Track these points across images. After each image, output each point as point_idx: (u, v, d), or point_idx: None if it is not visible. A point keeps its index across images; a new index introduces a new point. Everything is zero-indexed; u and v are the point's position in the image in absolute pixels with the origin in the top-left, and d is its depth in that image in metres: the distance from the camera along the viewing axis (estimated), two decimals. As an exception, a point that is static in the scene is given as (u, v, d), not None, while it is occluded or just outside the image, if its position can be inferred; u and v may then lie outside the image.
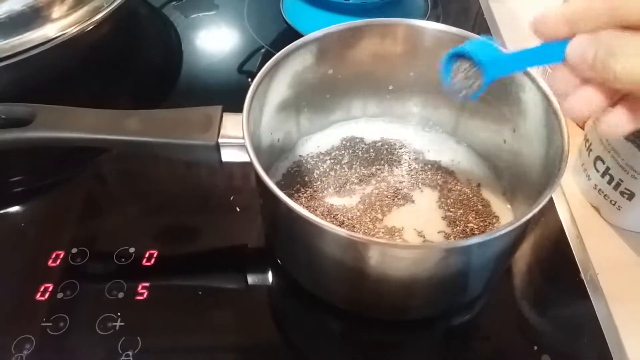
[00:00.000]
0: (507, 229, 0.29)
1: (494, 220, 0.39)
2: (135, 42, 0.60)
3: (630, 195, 0.40)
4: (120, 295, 0.36)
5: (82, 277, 0.37)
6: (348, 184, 0.41)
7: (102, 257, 0.38)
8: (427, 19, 0.58)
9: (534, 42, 0.56)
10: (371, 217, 0.39)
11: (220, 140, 0.33)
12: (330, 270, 0.33)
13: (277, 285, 0.39)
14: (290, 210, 0.29)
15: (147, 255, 0.38)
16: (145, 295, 0.36)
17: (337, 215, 0.39)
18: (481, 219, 0.39)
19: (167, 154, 0.36)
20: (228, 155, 0.34)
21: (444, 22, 0.60)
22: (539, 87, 0.35)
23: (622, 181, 0.40)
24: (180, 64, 0.57)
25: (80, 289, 0.36)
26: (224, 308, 0.37)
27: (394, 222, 0.39)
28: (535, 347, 0.35)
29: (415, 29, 0.39)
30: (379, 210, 0.39)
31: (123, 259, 0.38)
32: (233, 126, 0.34)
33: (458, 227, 0.39)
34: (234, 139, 0.33)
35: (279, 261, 0.38)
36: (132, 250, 0.38)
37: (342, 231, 0.28)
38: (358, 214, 0.39)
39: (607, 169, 0.40)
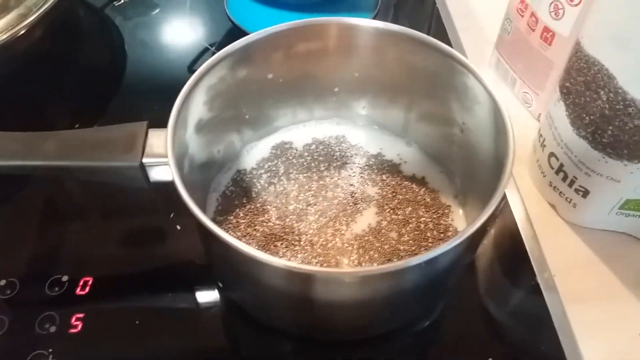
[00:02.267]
0: (453, 244, 0.27)
1: (447, 211, 0.38)
2: (76, 44, 0.57)
3: (585, 193, 0.38)
4: (53, 329, 0.34)
5: (10, 312, 0.35)
6: (299, 193, 0.39)
7: (33, 288, 0.36)
8: (378, 10, 0.56)
9: (488, 30, 0.54)
10: (334, 229, 0.37)
11: (145, 160, 0.31)
12: (274, 299, 0.31)
13: (225, 305, 0.37)
14: (219, 241, 0.27)
15: (81, 283, 0.36)
16: (79, 327, 0.34)
17: (292, 228, 0.37)
18: (433, 211, 0.38)
19: (90, 178, 0.33)
20: (156, 174, 0.32)
21: (397, 13, 0.58)
22: (484, 87, 0.34)
23: (576, 178, 0.38)
24: (124, 67, 0.55)
25: (8, 325, 0.34)
26: (166, 332, 0.35)
27: (355, 229, 0.37)
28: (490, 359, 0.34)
29: (354, 28, 0.37)
30: (342, 221, 0.38)
31: (56, 288, 0.36)
32: (160, 143, 0.31)
33: (410, 225, 0.37)
34: (161, 158, 0.31)
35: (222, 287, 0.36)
36: (64, 278, 0.36)
37: (277, 261, 0.26)
38: (317, 226, 0.37)
39: (561, 165, 0.39)
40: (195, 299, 0.37)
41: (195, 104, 0.34)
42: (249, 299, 0.34)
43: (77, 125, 0.49)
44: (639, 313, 0.36)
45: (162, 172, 0.32)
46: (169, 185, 0.31)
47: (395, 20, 0.58)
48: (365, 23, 0.37)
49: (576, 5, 0.40)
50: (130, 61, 0.55)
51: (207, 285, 0.38)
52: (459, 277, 0.38)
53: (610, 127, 0.34)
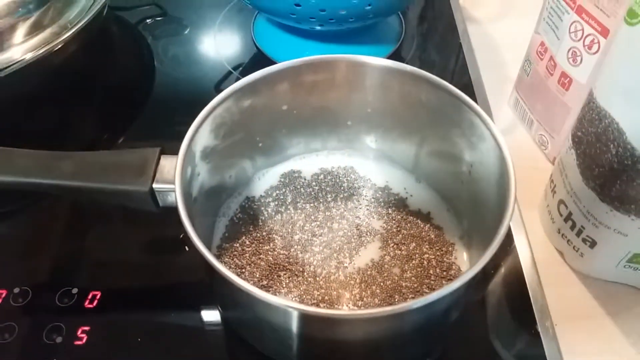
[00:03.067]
0: (445, 292, 0.27)
1: (450, 249, 0.38)
2: (108, 60, 0.59)
3: (592, 244, 0.38)
4: (59, 339, 0.35)
5: (21, 319, 0.36)
6: (305, 223, 0.40)
7: (44, 298, 0.37)
8: (401, 43, 0.56)
9: (509, 67, 0.54)
10: (337, 262, 0.38)
11: (155, 186, 0.32)
12: (269, 332, 0.31)
13: (227, 327, 0.37)
14: (217, 273, 0.28)
15: (90, 296, 0.37)
16: (84, 339, 0.35)
17: (296, 259, 0.37)
18: (437, 248, 0.38)
19: (101, 199, 0.35)
20: (166, 200, 0.33)
21: (420, 46, 0.59)
22: (490, 129, 0.34)
23: (584, 228, 0.38)
24: (152, 84, 0.56)
25: (18, 332, 0.36)
26: (169, 350, 0.36)
27: (358, 263, 0.38)
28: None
29: (363, 65, 0.38)
30: (346, 254, 0.38)
31: (65, 300, 0.37)
32: (170, 170, 0.32)
33: (414, 262, 0.37)
34: (170, 184, 0.32)
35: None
36: (74, 291, 0.37)
37: (272, 299, 0.27)
38: (321, 257, 0.38)
39: (570, 214, 0.39)
40: (200, 318, 0.38)
41: (207, 133, 0.35)
42: (247, 328, 0.34)
43: (105, 137, 0.51)
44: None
45: (172, 197, 0.33)
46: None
47: (419, 52, 0.58)
48: (374, 61, 0.38)
49: (594, 53, 0.40)
50: (159, 78, 0.57)
51: (211, 306, 0.38)
52: (462, 318, 0.38)
53: (618, 182, 0.34)
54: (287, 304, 0.27)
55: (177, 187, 0.30)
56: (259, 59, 0.56)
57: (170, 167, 0.33)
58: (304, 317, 0.28)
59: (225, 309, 0.36)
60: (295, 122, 0.41)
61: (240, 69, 0.56)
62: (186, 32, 0.62)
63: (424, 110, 0.38)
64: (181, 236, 0.41)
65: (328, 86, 0.39)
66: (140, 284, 0.39)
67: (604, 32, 0.38)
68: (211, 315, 0.38)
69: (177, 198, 0.30)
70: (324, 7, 0.46)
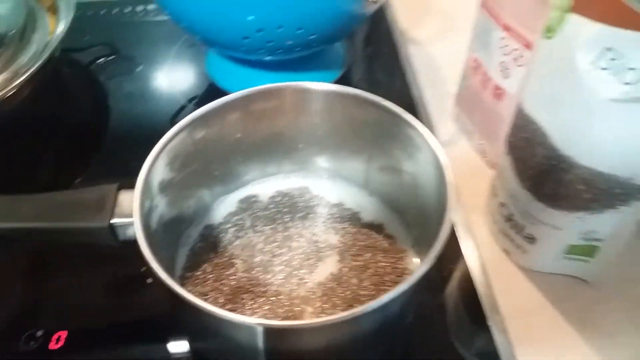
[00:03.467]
0: (397, 292, 0.29)
1: (402, 255, 0.41)
2: (61, 102, 0.60)
3: (533, 240, 0.41)
4: (26, 382, 0.36)
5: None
6: (265, 245, 0.41)
7: (9, 343, 0.38)
8: (346, 69, 0.59)
9: (450, 84, 0.58)
10: (298, 278, 0.39)
11: (113, 221, 0.33)
12: (242, 355, 0.33)
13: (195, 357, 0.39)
14: (185, 303, 0.29)
15: (55, 337, 0.38)
16: (52, 379, 0.36)
17: (258, 280, 0.39)
18: (390, 256, 0.40)
19: (62, 239, 0.35)
20: (125, 234, 0.34)
21: (366, 69, 0.62)
22: (427, 142, 0.36)
23: (523, 226, 0.41)
24: (107, 122, 0.58)
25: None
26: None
27: (318, 277, 0.39)
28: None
29: (308, 91, 0.40)
30: (306, 270, 0.40)
31: (32, 342, 0.37)
32: (129, 204, 0.34)
33: (369, 271, 0.39)
34: (129, 218, 0.33)
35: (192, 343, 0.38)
36: (39, 333, 0.38)
37: (237, 317, 0.29)
38: (282, 276, 0.39)
39: (510, 214, 0.42)
40: (166, 350, 0.39)
41: (163, 166, 0.37)
42: (215, 353, 0.36)
43: (63, 178, 0.52)
44: (585, 351, 0.38)
45: (131, 231, 0.34)
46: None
47: (365, 75, 0.61)
48: (318, 86, 0.40)
49: (521, 66, 0.43)
50: (114, 116, 0.58)
51: (178, 337, 0.39)
52: (421, 320, 0.40)
53: (549, 181, 0.37)
54: (251, 321, 0.29)
55: (136, 219, 0.32)
56: (212, 91, 0.58)
57: (129, 201, 0.34)
58: (268, 332, 0.29)
59: (192, 336, 0.38)
60: (250, 149, 0.43)
61: (195, 101, 0.58)
62: (139, 69, 0.63)
63: (368, 129, 0.41)
64: (142, 270, 0.42)
65: (278, 113, 0.42)
66: (106, 320, 0.40)
67: (528, 45, 0.42)
68: (178, 347, 0.39)
69: (136, 230, 0.31)
70: (271, 39, 0.48)
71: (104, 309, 0.40)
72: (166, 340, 0.39)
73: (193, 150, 0.39)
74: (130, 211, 0.33)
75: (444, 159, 0.35)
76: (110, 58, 0.65)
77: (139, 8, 0.71)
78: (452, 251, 0.43)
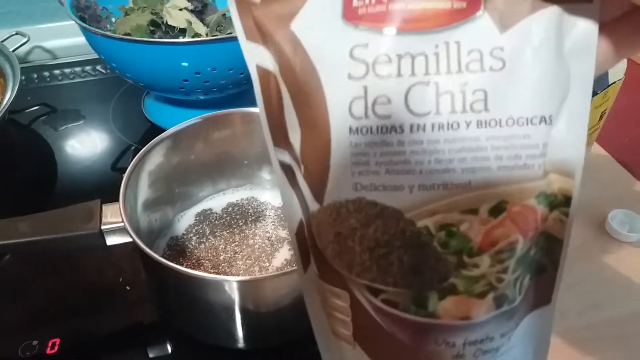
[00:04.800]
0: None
1: None
2: (7, 161, 0.64)
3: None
4: (30, 385, 0.40)
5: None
6: (226, 245, 0.49)
7: (8, 354, 0.41)
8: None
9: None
10: (259, 267, 0.47)
11: (102, 227, 0.40)
12: (215, 314, 0.40)
13: (176, 351, 0.44)
14: (168, 270, 0.36)
15: (50, 344, 0.42)
16: (53, 380, 0.40)
17: (225, 273, 0.46)
18: None
19: (57, 248, 0.41)
20: (112, 239, 0.40)
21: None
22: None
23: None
24: (55, 174, 0.62)
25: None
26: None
27: (276, 264, 0.47)
28: None
29: (252, 114, 0.49)
30: (264, 259, 0.47)
31: (28, 352, 0.42)
32: (112, 214, 0.40)
33: None
34: (115, 224, 0.40)
35: (173, 324, 0.44)
36: (35, 342, 0.42)
37: (214, 276, 0.36)
38: (245, 267, 0.46)
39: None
40: (146, 354, 0.44)
41: (136, 183, 0.44)
42: (198, 324, 0.42)
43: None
44: None
45: (116, 236, 0.40)
46: (122, 247, 0.41)
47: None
48: (257, 110, 0.49)
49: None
50: (62, 169, 0.63)
51: (158, 338, 0.45)
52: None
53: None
54: (224, 278, 0.36)
55: (124, 218, 0.38)
56: (153, 131, 0.65)
57: (112, 211, 0.40)
58: (241, 286, 0.37)
59: (170, 308, 0.43)
60: (203, 168, 0.51)
61: (137, 143, 0.65)
62: (80, 123, 0.69)
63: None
64: (121, 279, 0.48)
65: (225, 135, 0.50)
66: (92, 326, 0.45)
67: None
68: (157, 351, 0.44)
69: (125, 225, 0.38)
70: (207, 79, 0.57)
71: (89, 317, 0.45)
72: (146, 345, 0.45)
73: (158, 171, 0.46)
74: (114, 219, 0.40)
75: None
76: (51, 115, 0.70)
77: (77, 69, 0.78)
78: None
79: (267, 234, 0.50)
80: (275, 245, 0.49)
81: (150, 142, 0.45)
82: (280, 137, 0.24)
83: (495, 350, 0.23)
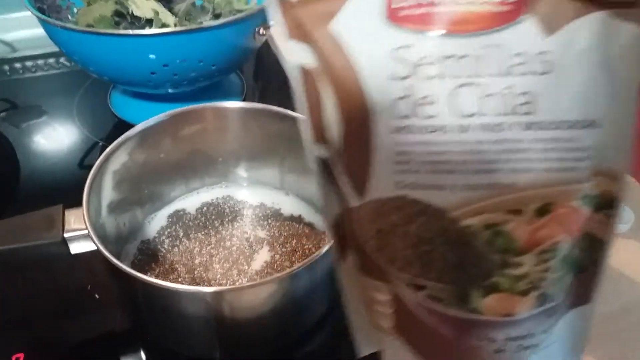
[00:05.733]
0: (321, 253, 0.36)
1: (323, 237, 0.47)
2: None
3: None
4: (-9, 407, 0.37)
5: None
6: (202, 248, 0.46)
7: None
8: (244, 97, 0.66)
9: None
10: (238, 270, 0.44)
11: (65, 235, 0.37)
12: (189, 325, 0.37)
13: None
14: (137, 281, 0.33)
15: (13, 359, 0.39)
16: (16, 400, 0.37)
17: (202, 278, 0.43)
18: (312, 239, 0.47)
19: (17, 259, 0.38)
20: (76, 247, 0.38)
21: (261, 94, 0.69)
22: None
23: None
24: (18, 174, 0.59)
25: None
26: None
27: (255, 267, 0.44)
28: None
29: (224, 109, 0.47)
30: (243, 262, 0.45)
31: (-13, 371, 0.39)
32: (76, 220, 0.37)
33: (297, 253, 0.46)
34: (79, 231, 0.37)
35: (145, 334, 0.42)
36: (-6, 360, 0.39)
37: (187, 287, 0.33)
38: (223, 271, 0.44)
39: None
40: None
41: (100, 186, 0.41)
42: (169, 333, 0.39)
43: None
44: None
45: (81, 244, 0.38)
46: (87, 256, 0.38)
47: (262, 100, 0.68)
48: (232, 105, 0.47)
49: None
50: (24, 166, 0.59)
51: (131, 348, 0.42)
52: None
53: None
54: (198, 289, 0.34)
55: (88, 225, 0.35)
56: (121, 127, 0.61)
57: (75, 217, 0.37)
58: (216, 296, 0.34)
59: (143, 319, 0.41)
60: (174, 167, 0.48)
61: (103, 139, 0.61)
62: (42, 119, 0.65)
63: (278, 138, 0.48)
64: (89, 287, 0.45)
65: (198, 131, 0.47)
66: (59, 339, 0.42)
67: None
68: (133, 356, 0.42)
69: (89, 232, 0.35)
70: (176, 72, 0.54)
71: (57, 327, 0.42)
72: (118, 354, 0.42)
73: (124, 171, 0.43)
74: (78, 226, 0.37)
75: None
76: (12, 111, 0.66)
77: (39, 62, 0.73)
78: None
79: (245, 235, 0.47)
80: (254, 247, 0.46)
81: (115, 142, 0.42)
82: (319, 134, 0.24)
83: (535, 346, 0.24)
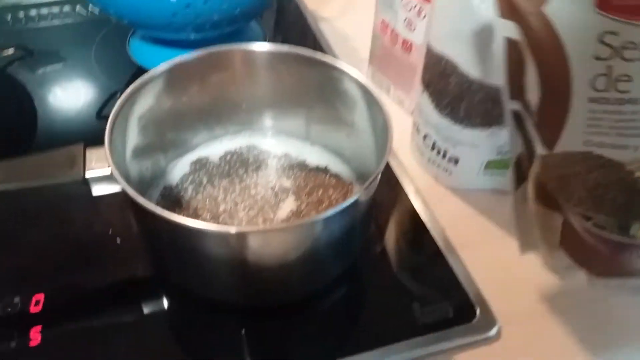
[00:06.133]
0: (351, 200, 0.34)
1: (350, 187, 0.46)
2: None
3: (456, 161, 0.48)
4: (13, 344, 0.36)
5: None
6: (226, 195, 0.45)
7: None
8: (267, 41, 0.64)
9: (361, 51, 0.64)
10: (263, 218, 0.43)
11: (87, 175, 0.35)
12: (216, 269, 0.36)
13: (172, 308, 0.41)
14: (164, 221, 0.32)
15: (33, 301, 0.38)
16: (39, 339, 0.36)
17: (226, 225, 0.42)
18: (339, 189, 0.45)
19: (36, 198, 0.37)
20: (98, 189, 0.36)
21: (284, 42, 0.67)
22: (357, 81, 0.42)
23: (447, 151, 0.48)
24: (35, 123, 0.57)
25: (-35, 351, 0.36)
26: (125, 336, 0.38)
27: (281, 216, 0.43)
28: (407, 298, 0.41)
29: (251, 52, 0.44)
30: (268, 211, 0.43)
31: (9, 310, 0.38)
32: (98, 159, 0.36)
33: (324, 204, 0.44)
34: (101, 171, 0.35)
35: (170, 278, 0.40)
36: (16, 299, 0.38)
37: (215, 226, 0.32)
38: (248, 219, 0.43)
39: (434, 143, 0.48)
40: (140, 311, 0.40)
41: (122, 127, 0.39)
42: (197, 279, 0.38)
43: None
44: (512, 248, 0.45)
45: (103, 185, 0.36)
46: (108, 199, 0.36)
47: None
48: (262, 47, 0.44)
49: (423, 18, 0.50)
50: (41, 116, 0.58)
51: (153, 293, 0.41)
52: (371, 248, 0.45)
53: (463, 103, 0.44)
54: (229, 229, 0.32)
55: (111, 163, 0.34)
56: (140, 75, 0.60)
57: (98, 156, 0.36)
58: (244, 237, 0.33)
59: (166, 262, 0.40)
60: (197, 112, 0.46)
61: (123, 86, 0.59)
62: (59, 67, 0.63)
63: (307, 85, 0.45)
64: (110, 232, 0.44)
65: (223, 74, 0.45)
66: (80, 283, 0.41)
67: (427, 0, 0.49)
68: (151, 307, 0.40)
69: (113, 171, 0.34)
70: (199, 14, 0.52)
71: (76, 272, 0.41)
72: (139, 301, 0.41)
73: (146, 114, 0.42)
74: (100, 165, 0.35)
75: (384, 106, 0.39)
76: (28, 59, 0.64)
77: (55, 9, 0.71)
78: (391, 185, 0.49)
79: (270, 184, 0.46)
80: (279, 196, 0.45)
81: (139, 80, 0.41)
82: (517, 93, 0.31)
83: None
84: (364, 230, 0.43)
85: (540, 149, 0.32)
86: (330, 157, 0.48)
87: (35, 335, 0.37)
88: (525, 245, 0.38)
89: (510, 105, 0.32)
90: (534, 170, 0.33)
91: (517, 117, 0.32)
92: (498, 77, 0.41)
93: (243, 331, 0.40)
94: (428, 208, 0.47)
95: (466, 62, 0.42)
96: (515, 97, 0.31)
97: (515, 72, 0.29)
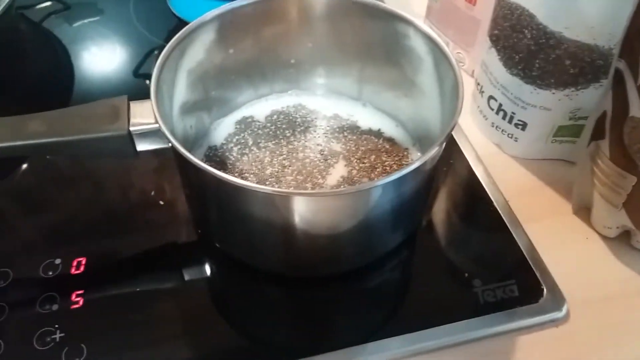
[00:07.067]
0: (416, 165, 0.31)
1: (406, 153, 0.42)
2: (19, 61, 0.57)
3: (524, 126, 0.44)
4: (55, 307, 0.35)
5: (8, 298, 0.35)
6: (272, 158, 0.42)
7: (27, 274, 0.36)
8: None
9: (415, 5, 0.59)
10: (312, 183, 0.40)
11: (132, 129, 0.33)
12: (265, 234, 0.33)
13: (214, 274, 0.39)
14: (213, 179, 0.29)
15: (75, 263, 0.37)
16: (80, 302, 0.35)
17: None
18: (393, 155, 0.42)
19: (77, 152, 0.34)
20: (142, 144, 0.34)
21: None
22: (425, 35, 0.38)
23: (514, 114, 0.43)
24: (72, 78, 0.55)
25: (9, 311, 0.34)
26: (166, 301, 0.37)
27: (331, 181, 0.40)
28: (466, 274, 0.38)
29: (310, 1, 0.40)
30: (318, 176, 0.40)
31: (50, 272, 0.36)
32: (142, 113, 0.33)
33: (377, 170, 0.41)
34: (146, 126, 0.33)
35: (215, 243, 0.38)
36: (57, 261, 0.37)
37: (268, 189, 0.30)
38: (296, 184, 0.40)
39: (500, 105, 0.44)
40: (182, 276, 0.38)
41: (169, 78, 0.36)
42: (243, 244, 0.36)
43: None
44: (581, 225, 0.42)
45: (148, 140, 0.34)
46: (153, 155, 0.34)
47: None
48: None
49: (492, -33, 0.45)
50: (78, 70, 0.55)
51: (195, 259, 0.39)
52: (427, 220, 0.42)
53: (537, 61, 0.40)
54: (281, 191, 0.30)
55: (158, 117, 0.31)
56: (181, 28, 0.57)
57: (142, 110, 0.33)
58: (298, 201, 0.30)
59: (211, 225, 0.38)
60: (243, 66, 0.43)
61: (164, 39, 0.56)
62: (96, 20, 0.61)
63: (363, 37, 0.42)
64: (152, 193, 0.41)
65: (271, 25, 0.41)
66: (120, 245, 0.39)
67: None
68: (193, 273, 0.39)
69: (160, 125, 0.31)
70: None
71: (117, 234, 0.39)
72: (181, 267, 0.39)
73: (191, 66, 0.39)
74: (145, 120, 0.33)
75: (455, 63, 0.35)
76: (64, 12, 0.62)
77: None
78: (450, 151, 0.45)
79: (319, 147, 0.43)
80: (329, 161, 0.42)
81: (185, 28, 0.37)
82: (627, 52, 0.33)
83: None
84: (423, 201, 0.39)
85: (636, 111, 0.32)
86: (383, 120, 0.45)
87: (78, 299, 0.35)
88: (580, 201, 0.40)
89: (615, 64, 0.33)
90: (624, 130, 0.33)
91: (618, 77, 0.32)
92: (584, 31, 0.37)
93: (287, 303, 0.38)
94: (490, 178, 0.44)
95: (546, 13, 0.38)
96: (624, 55, 0.32)
97: (636, 31, 0.30)
